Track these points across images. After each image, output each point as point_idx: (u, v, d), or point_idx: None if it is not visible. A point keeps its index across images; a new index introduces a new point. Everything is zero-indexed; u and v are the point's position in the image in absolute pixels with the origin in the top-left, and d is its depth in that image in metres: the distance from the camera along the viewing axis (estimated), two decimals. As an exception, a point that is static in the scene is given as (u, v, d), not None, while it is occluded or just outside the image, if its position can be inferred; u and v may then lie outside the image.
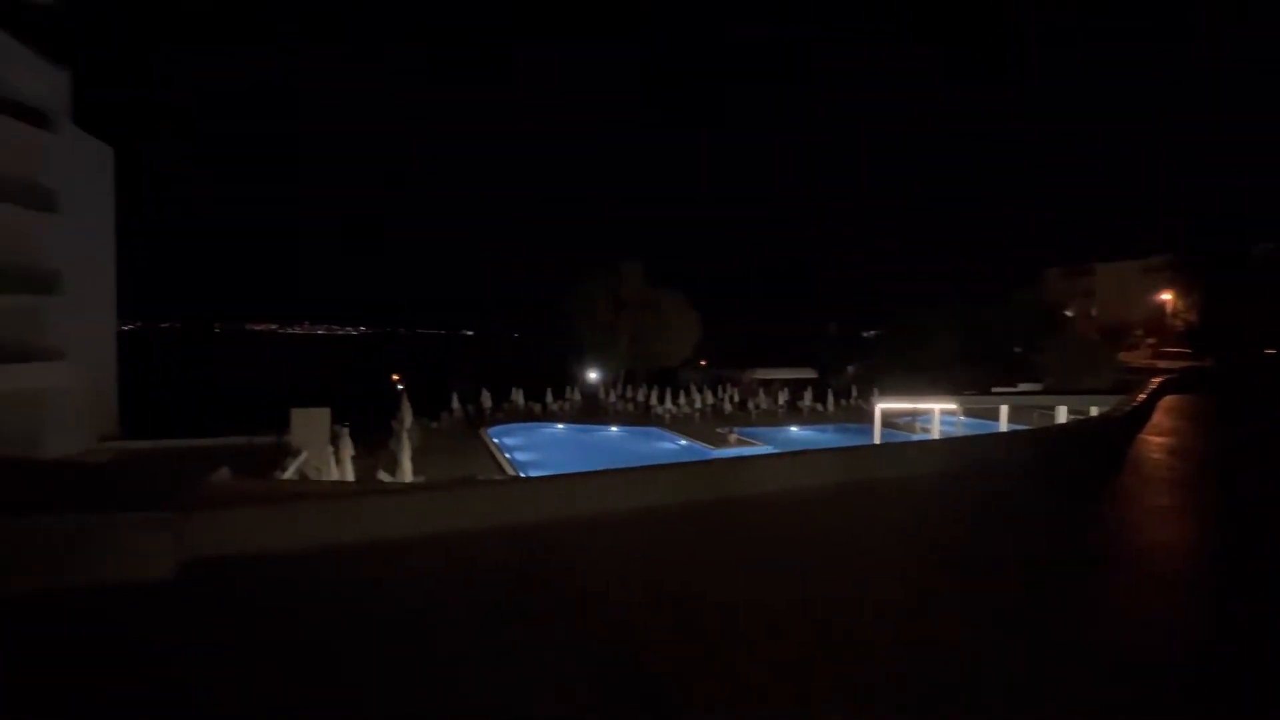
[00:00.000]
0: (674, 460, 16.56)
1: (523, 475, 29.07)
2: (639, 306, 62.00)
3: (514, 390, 51.97)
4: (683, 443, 40.57)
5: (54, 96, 33.99)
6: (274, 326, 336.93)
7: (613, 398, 55.41)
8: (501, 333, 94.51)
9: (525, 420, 47.00)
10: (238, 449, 29.52)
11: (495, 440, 39.49)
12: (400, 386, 47.47)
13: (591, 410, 51.51)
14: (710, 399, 54.34)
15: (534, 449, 39.55)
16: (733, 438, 40.66)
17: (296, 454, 27.19)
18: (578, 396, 54.73)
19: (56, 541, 6.78)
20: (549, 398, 52.78)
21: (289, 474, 24.65)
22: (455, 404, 48.18)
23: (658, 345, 62.22)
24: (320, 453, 27.42)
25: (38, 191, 31.58)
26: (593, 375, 63.21)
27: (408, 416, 34.64)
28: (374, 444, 33.15)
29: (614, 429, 45.82)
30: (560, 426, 46.45)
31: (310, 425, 29.27)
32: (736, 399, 55.78)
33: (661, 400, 53.77)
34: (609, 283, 62.47)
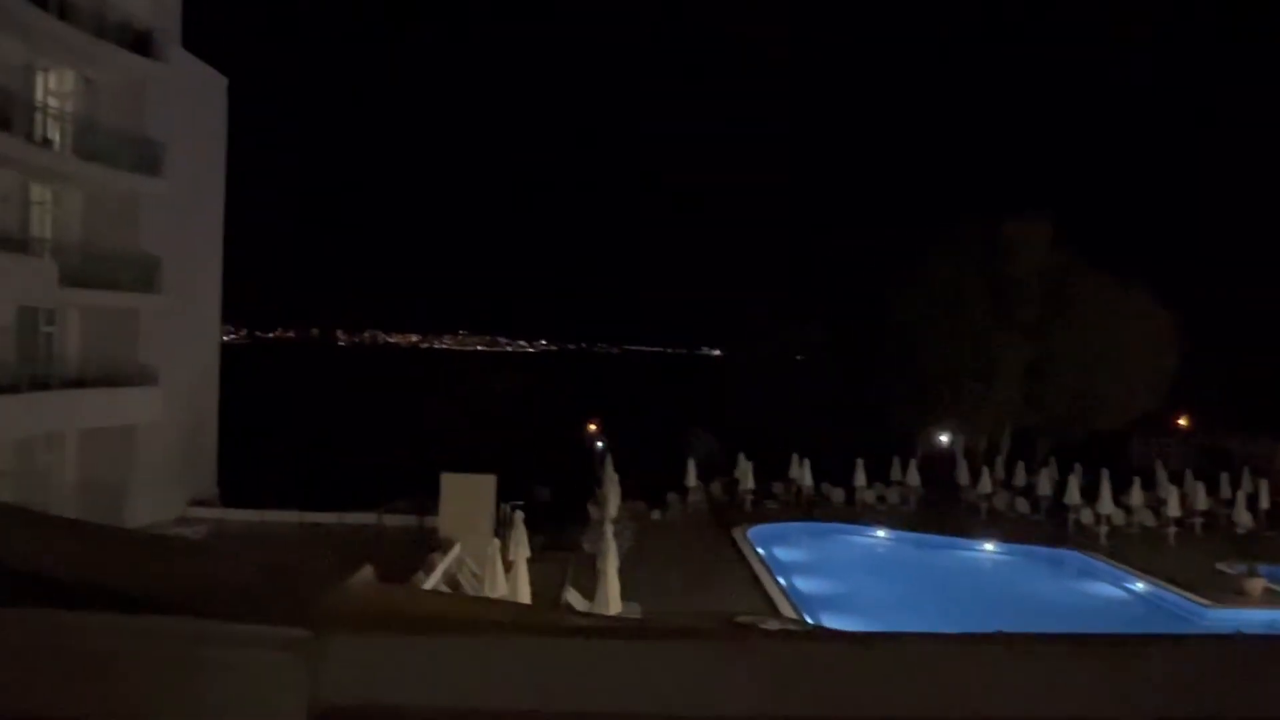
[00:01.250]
0: (1118, 629, 12.16)
1: (817, 624, 22.13)
2: (1045, 306, 38.34)
3: (794, 459, 35.65)
4: (1139, 587, 27.00)
5: (161, 12, 28.98)
6: (416, 338, 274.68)
7: (985, 485, 35.45)
8: (772, 353, 50.59)
9: (814, 518, 33.92)
10: (363, 530, 27.33)
11: (760, 550, 28.65)
12: (601, 444, 38.95)
13: (944, 507, 35.32)
14: (1198, 498, 33.10)
15: (833, 572, 28.54)
16: (1258, 586, 25.26)
17: (445, 547, 23.61)
18: (914, 478, 36.46)
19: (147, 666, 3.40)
20: (859, 477, 35.63)
21: (434, 580, 21.05)
22: (691, 477, 35.01)
23: (1089, 386, 37.69)
24: (480, 547, 22.55)
25: (140, 147, 27.56)
26: (943, 438, 41.94)
27: (614, 497, 27.71)
28: (561, 538, 27.54)
29: (989, 547, 31.24)
30: (882, 534, 32.95)
31: (467, 499, 25.29)
32: (1267, 502, 34.43)
33: (1089, 495, 32.89)
34: (978, 258, 38.89)
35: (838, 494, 36.71)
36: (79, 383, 26.27)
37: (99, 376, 26.62)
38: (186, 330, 29.87)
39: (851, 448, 36.34)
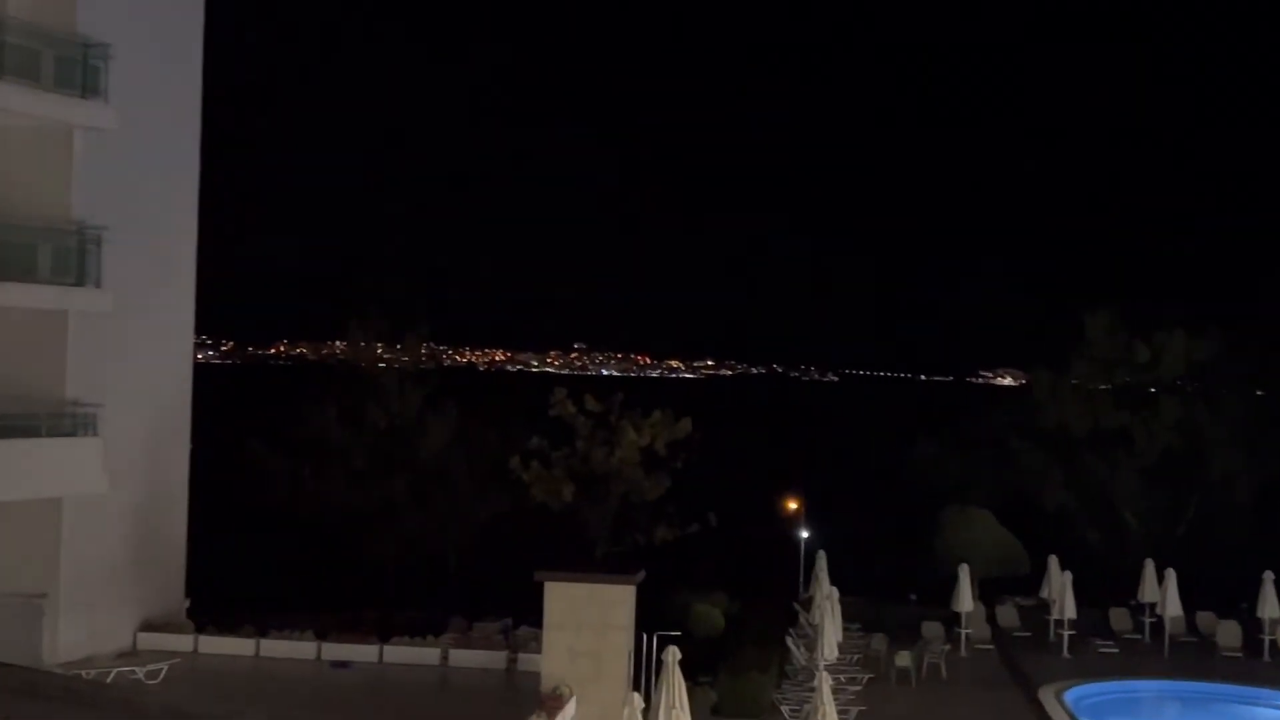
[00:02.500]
0: None
1: None
2: None
3: (1148, 569, 27.91)
4: None
5: None
6: (501, 355, 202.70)
7: None
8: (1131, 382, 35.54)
9: (1185, 674, 25.52)
10: (418, 676, 22.25)
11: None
12: (807, 534, 30.78)
13: None
14: None
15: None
16: None
17: (551, 709, 18.75)
18: None
19: None
20: (1269, 604, 26.97)
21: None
22: (965, 596, 27.39)
23: None
24: (610, 708, 18.64)
25: (67, 51, 22.10)
26: None
27: (830, 626, 21.54)
28: (742, 694, 21.88)
29: None
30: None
31: (586, 623, 20.49)
32: None
33: None
34: None
35: (1228, 631, 26.59)
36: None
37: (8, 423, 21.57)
38: (143, 345, 24.04)
39: (1257, 550, 27.35)
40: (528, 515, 28.61)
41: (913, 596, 31.14)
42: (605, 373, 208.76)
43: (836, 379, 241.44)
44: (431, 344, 31.50)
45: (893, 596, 30.62)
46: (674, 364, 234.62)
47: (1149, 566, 27.09)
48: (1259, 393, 35.93)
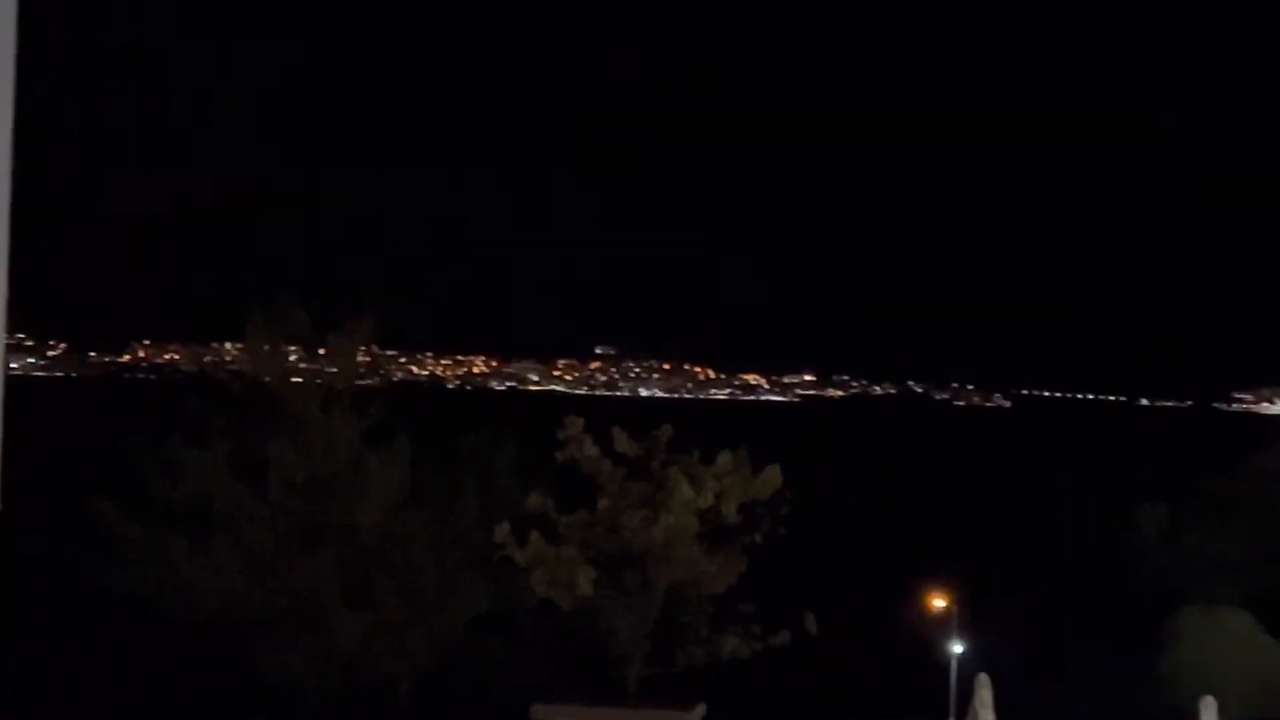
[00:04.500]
0: None
1: None
2: None
3: None
4: None
5: None
6: (483, 364, 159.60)
7: None
8: None
9: None
10: None
11: None
12: (961, 648, 24.13)
13: None
14: None
15: None
16: None
17: None
18: None
19: None
20: None
21: None
22: None
23: None
24: None
25: None
26: None
27: None
28: None
29: None
30: None
31: None
32: None
33: None
34: None
35: None
36: None
37: None
38: None
39: None
40: (523, 617, 20.30)
41: None
42: (645, 393, 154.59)
43: (1009, 403, 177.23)
44: (375, 348, 22.15)
45: None
46: (752, 380, 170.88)
47: None
48: None
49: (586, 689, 18.99)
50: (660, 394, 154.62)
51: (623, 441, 18.69)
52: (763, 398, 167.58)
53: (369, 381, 20.76)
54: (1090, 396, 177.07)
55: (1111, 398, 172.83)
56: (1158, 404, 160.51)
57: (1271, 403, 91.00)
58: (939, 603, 24.77)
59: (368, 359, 20.87)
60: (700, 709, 18.88)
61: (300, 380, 19.78)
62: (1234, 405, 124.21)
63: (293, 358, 19.84)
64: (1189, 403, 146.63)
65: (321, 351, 20.06)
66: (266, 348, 19.09)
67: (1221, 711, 19.46)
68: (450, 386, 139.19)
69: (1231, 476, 26.75)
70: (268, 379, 19.31)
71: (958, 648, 23.83)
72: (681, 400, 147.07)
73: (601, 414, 19.31)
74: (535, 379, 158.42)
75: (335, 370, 19.81)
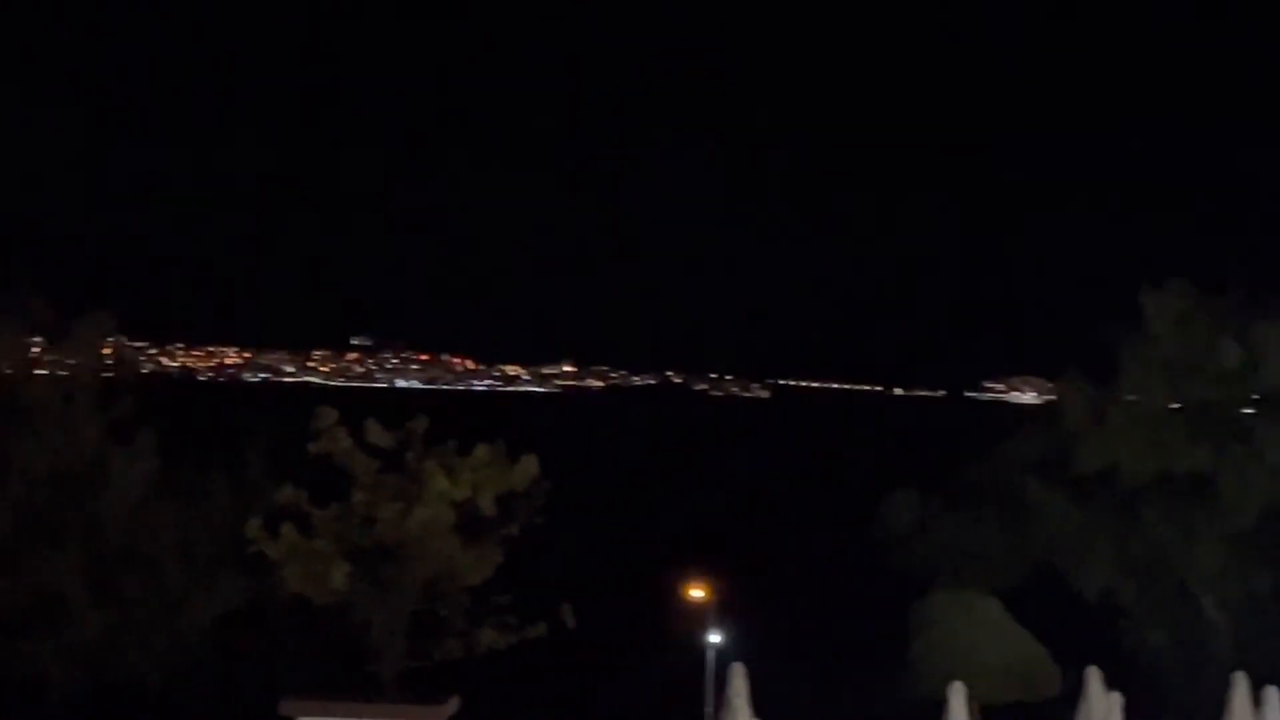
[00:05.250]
0: None
1: None
2: None
3: (1247, 686, 22.14)
4: None
5: None
6: (235, 355, 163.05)
7: None
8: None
9: None
10: None
11: None
12: (716, 638, 24.87)
13: None
14: None
15: None
16: None
17: None
18: None
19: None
20: None
21: None
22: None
23: None
24: None
25: None
26: None
27: None
28: None
29: None
30: None
31: None
32: None
33: None
34: None
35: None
36: None
37: None
38: None
39: None
40: (274, 612, 20.74)
41: None
42: (401, 384, 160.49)
43: (766, 393, 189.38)
44: (121, 339, 22.72)
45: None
46: (511, 370, 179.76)
47: (1240, 683, 20.59)
48: None
49: (339, 684, 19.24)
50: (417, 385, 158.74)
51: (376, 433, 19.14)
52: (521, 389, 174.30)
53: (116, 373, 21.13)
54: (846, 386, 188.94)
55: (866, 387, 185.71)
56: (911, 393, 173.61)
57: (1021, 391, 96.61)
58: (696, 593, 25.94)
59: (112, 351, 21.23)
60: (454, 703, 19.16)
61: (43, 372, 19.98)
62: (985, 394, 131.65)
63: (35, 350, 20.05)
64: (941, 392, 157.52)
65: (64, 342, 20.37)
66: (7, 338, 19.35)
67: (969, 698, 21.02)
68: (202, 379, 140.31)
69: (981, 465, 28.48)
70: (9, 371, 19.48)
71: (715, 638, 24.69)
72: (437, 391, 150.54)
73: (359, 406, 19.71)
74: (290, 369, 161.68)
75: (75, 360, 20.07)
